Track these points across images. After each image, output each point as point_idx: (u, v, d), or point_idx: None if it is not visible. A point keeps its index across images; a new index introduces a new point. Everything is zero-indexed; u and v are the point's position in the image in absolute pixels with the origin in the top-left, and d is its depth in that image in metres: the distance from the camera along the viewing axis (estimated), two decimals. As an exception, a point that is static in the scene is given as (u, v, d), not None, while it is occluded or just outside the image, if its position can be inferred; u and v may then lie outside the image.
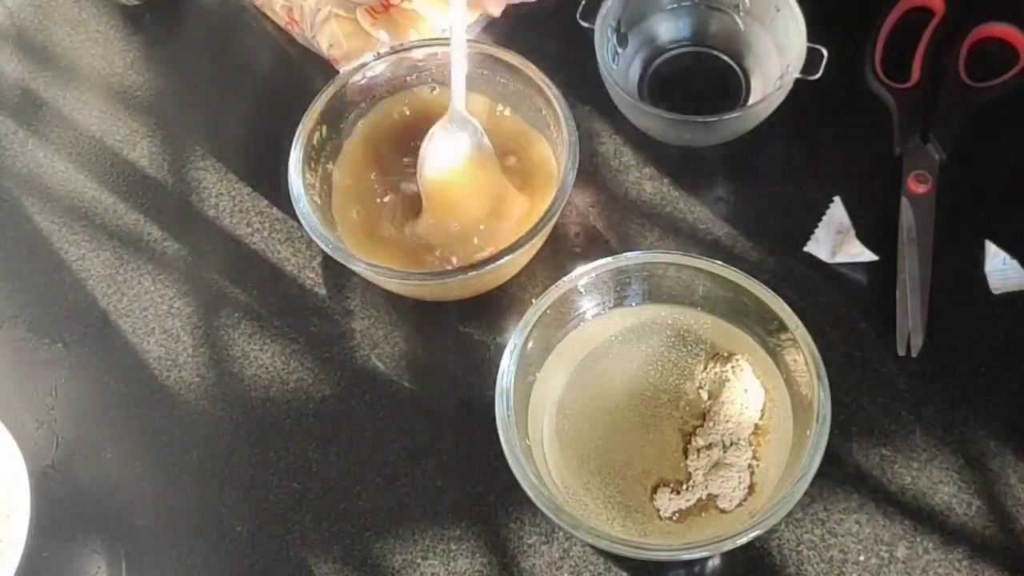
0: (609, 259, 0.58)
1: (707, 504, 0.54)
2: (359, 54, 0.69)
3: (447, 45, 0.65)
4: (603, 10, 0.67)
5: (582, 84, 0.66)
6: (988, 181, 0.65)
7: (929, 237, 0.62)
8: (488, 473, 0.59)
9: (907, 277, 0.61)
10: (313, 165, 0.64)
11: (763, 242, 0.64)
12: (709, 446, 0.55)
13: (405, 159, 0.66)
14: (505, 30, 0.73)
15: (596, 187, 0.67)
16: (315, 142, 0.64)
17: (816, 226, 0.64)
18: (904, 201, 0.63)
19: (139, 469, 0.61)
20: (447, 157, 0.62)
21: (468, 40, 0.61)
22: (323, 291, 0.66)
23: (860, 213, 0.64)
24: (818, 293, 0.62)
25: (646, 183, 0.68)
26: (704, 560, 0.56)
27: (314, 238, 0.60)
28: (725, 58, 0.70)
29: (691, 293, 0.59)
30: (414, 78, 0.68)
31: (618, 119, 0.68)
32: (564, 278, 0.58)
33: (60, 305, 0.67)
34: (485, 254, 0.60)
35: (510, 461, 0.53)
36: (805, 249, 0.64)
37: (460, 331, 0.64)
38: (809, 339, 0.54)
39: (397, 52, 0.66)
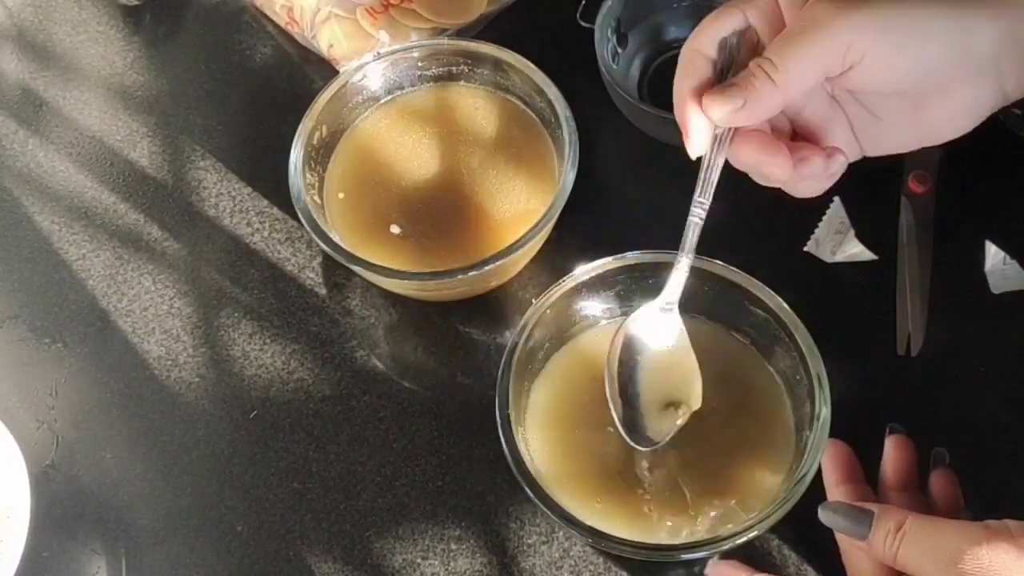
0: (609, 259, 0.58)
1: (695, 500, 0.54)
2: (359, 54, 0.69)
3: (445, 44, 0.66)
4: (603, 10, 0.67)
5: (582, 84, 0.66)
6: (988, 181, 0.65)
7: (929, 237, 0.62)
8: (488, 473, 0.59)
9: (907, 277, 0.61)
10: (313, 165, 0.64)
11: (763, 242, 0.64)
12: (705, 444, 0.55)
13: (405, 159, 0.66)
14: (505, 30, 0.73)
15: (596, 187, 0.67)
16: (315, 142, 0.64)
17: (816, 226, 0.64)
18: (904, 201, 0.63)
19: (139, 469, 0.61)
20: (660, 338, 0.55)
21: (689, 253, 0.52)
22: (323, 291, 0.66)
23: (860, 213, 0.64)
24: (818, 293, 0.62)
25: (646, 183, 0.67)
26: (704, 560, 0.56)
27: (314, 238, 0.60)
28: (725, 58, 0.70)
29: (691, 293, 0.59)
30: (414, 78, 0.68)
31: (618, 119, 0.68)
32: (564, 278, 0.58)
33: (60, 305, 0.67)
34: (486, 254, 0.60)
35: (510, 461, 0.53)
36: (805, 249, 0.64)
37: (460, 331, 0.64)
38: (809, 339, 0.54)
39: (397, 52, 0.66)
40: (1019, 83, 0.44)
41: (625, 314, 0.60)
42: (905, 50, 0.43)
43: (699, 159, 0.48)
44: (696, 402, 0.54)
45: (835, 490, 0.50)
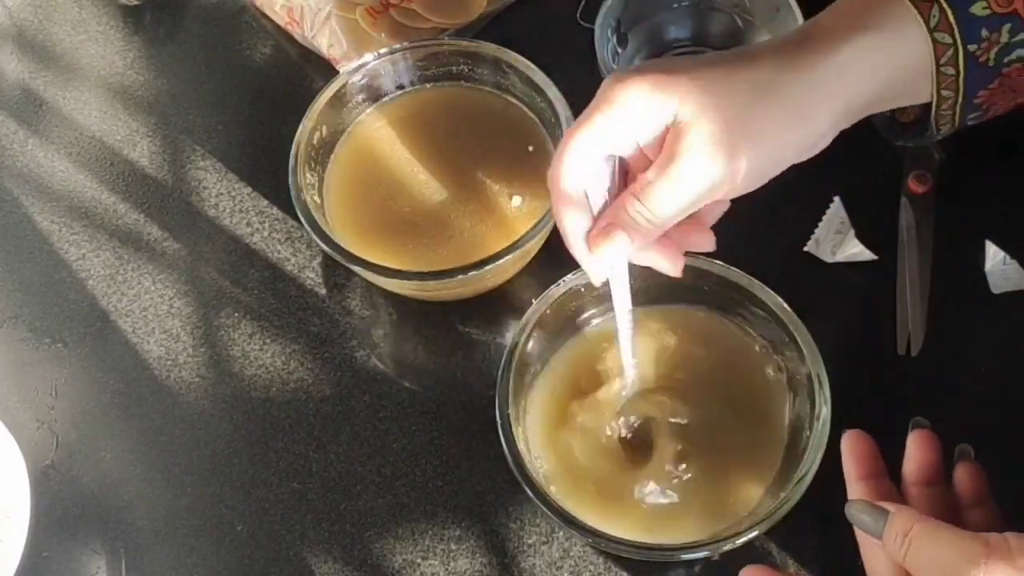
0: (609, 259, 0.58)
1: (695, 500, 0.54)
2: (359, 54, 0.69)
3: (445, 45, 0.66)
4: (603, 10, 0.67)
5: (582, 84, 0.66)
6: (988, 181, 0.65)
7: (929, 237, 0.62)
8: (488, 473, 0.59)
9: (907, 277, 0.61)
10: (313, 165, 0.64)
11: (763, 242, 0.64)
12: (705, 444, 0.55)
13: (405, 159, 0.66)
14: (505, 30, 0.73)
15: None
16: (315, 142, 0.64)
17: (816, 226, 0.64)
18: (904, 201, 0.63)
19: (139, 469, 0.61)
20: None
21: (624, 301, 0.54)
22: (323, 291, 0.66)
23: (860, 213, 0.64)
24: (818, 293, 0.62)
25: (646, 183, 0.67)
26: (704, 560, 0.56)
27: (314, 238, 0.60)
28: (725, 58, 0.70)
29: (691, 293, 0.59)
30: (414, 78, 0.68)
31: (618, 119, 0.68)
32: (564, 278, 0.58)
33: (60, 305, 0.67)
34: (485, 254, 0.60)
35: (510, 461, 0.53)
36: (805, 249, 0.64)
37: (460, 331, 0.64)
38: (809, 339, 0.54)
39: (397, 52, 0.66)
40: (852, 120, 0.48)
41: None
42: (765, 170, 0.47)
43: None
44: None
45: (855, 486, 0.50)
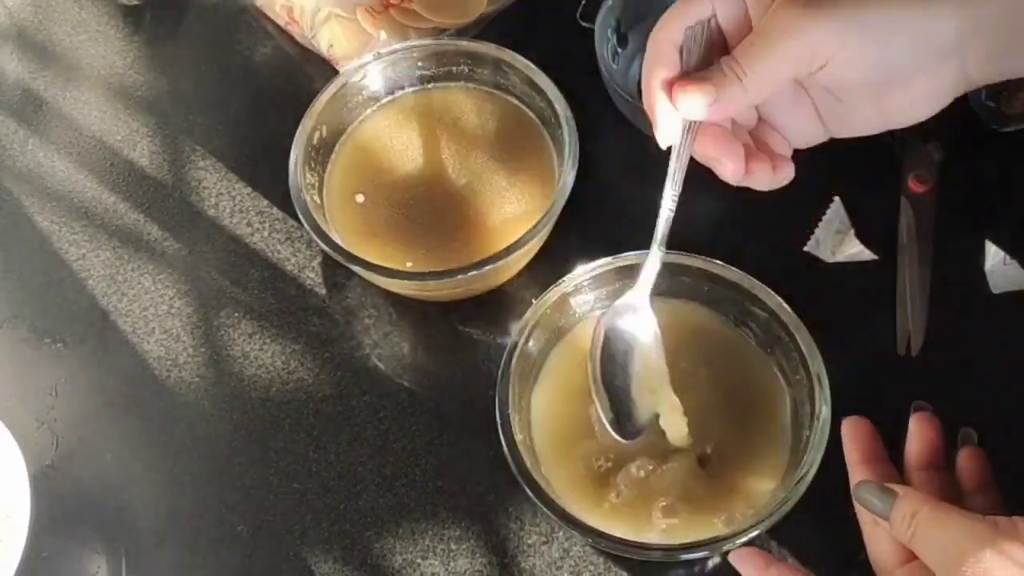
0: (609, 259, 0.58)
1: (696, 499, 0.54)
2: (359, 54, 0.69)
3: (445, 44, 0.66)
4: (603, 10, 0.67)
5: (582, 84, 0.66)
6: (988, 181, 0.65)
7: (929, 237, 0.62)
8: (488, 473, 0.59)
9: (907, 277, 0.61)
10: (313, 165, 0.64)
11: (763, 242, 0.64)
12: (705, 444, 0.55)
13: (405, 159, 0.66)
14: (505, 30, 0.73)
15: (596, 187, 0.67)
16: (315, 142, 0.64)
17: (816, 226, 0.64)
18: (904, 201, 0.63)
19: (139, 469, 0.61)
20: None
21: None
22: (323, 291, 0.66)
23: (860, 213, 0.64)
24: (818, 293, 0.62)
25: (645, 183, 0.67)
26: (704, 560, 0.56)
27: (314, 238, 0.60)
28: (725, 58, 0.70)
29: (690, 293, 0.59)
30: (414, 78, 0.68)
31: (618, 119, 0.68)
32: (564, 278, 0.58)
33: (60, 305, 0.67)
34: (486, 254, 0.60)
35: (510, 461, 0.53)
36: (805, 249, 0.64)
37: (460, 331, 0.64)
38: (809, 339, 0.54)
39: (397, 52, 0.66)
40: (982, 69, 0.45)
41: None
42: (870, 49, 0.44)
43: (669, 151, 0.49)
44: (664, 406, 0.54)
45: (856, 469, 0.50)
